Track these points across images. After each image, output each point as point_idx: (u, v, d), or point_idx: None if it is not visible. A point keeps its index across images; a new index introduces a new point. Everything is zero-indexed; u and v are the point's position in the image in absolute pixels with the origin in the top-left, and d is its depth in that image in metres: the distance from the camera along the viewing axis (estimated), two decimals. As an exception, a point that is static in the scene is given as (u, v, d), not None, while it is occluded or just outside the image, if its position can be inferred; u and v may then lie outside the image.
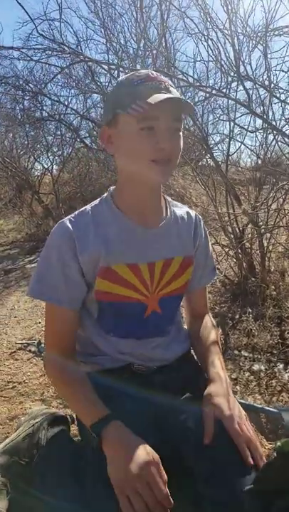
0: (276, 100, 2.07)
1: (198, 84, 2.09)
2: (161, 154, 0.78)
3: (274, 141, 2.28)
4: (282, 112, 2.12)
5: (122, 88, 0.80)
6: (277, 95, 2.06)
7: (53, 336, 0.92)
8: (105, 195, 0.93)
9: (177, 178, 4.43)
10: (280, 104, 2.09)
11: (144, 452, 0.71)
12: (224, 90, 2.12)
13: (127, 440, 0.73)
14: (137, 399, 0.86)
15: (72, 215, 0.90)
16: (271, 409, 1.38)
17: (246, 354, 1.83)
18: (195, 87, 2.15)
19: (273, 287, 2.17)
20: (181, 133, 0.82)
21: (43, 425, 1.00)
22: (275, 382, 1.61)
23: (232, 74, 2.07)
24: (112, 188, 0.93)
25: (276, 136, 2.20)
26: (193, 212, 1.00)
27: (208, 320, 1.08)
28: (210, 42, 2.12)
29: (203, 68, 2.37)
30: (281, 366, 1.70)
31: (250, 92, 2.17)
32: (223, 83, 2.15)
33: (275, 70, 2.02)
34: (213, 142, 3.01)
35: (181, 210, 0.98)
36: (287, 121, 2.08)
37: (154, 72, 0.79)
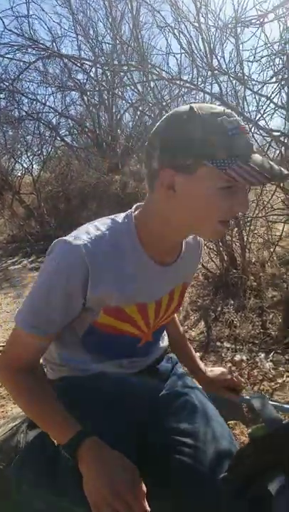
0: (249, 92, 2.09)
1: (171, 78, 2.09)
2: (232, 216, 0.73)
3: (249, 133, 2.30)
4: (257, 103, 2.14)
5: (212, 133, 0.66)
6: (251, 87, 2.07)
7: (16, 358, 0.81)
8: (127, 221, 0.79)
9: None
10: (253, 95, 2.11)
11: (122, 470, 0.68)
12: (198, 84, 2.12)
13: (103, 458, 0.69)
14: (113, 403, 0.84)
15: (88, 238, 0.74)
16: (245, 396, 1.39)
17: (228, 345, 1.85)
18: (169, 82, 2.15)
19: (253, 278, 2.20)
20: None
21: (22, 428, 0.98)
22: (257, 372, 1.63)
23: (205, 67, 2.08)
24: (136, 212, 0.81)
25: (251, 128, 2.22)
26: None
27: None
28: (182, 36, 2.13)
29: (178, 63, 2.37)
30: (262, 356, 1.73)
31: (225, 84, 2.19)
32: (196, 76, 2.15)
33: (248, 61, 2.04)
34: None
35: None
36: (261, 113, 2.09)
37: (239, 118, 0.68)
